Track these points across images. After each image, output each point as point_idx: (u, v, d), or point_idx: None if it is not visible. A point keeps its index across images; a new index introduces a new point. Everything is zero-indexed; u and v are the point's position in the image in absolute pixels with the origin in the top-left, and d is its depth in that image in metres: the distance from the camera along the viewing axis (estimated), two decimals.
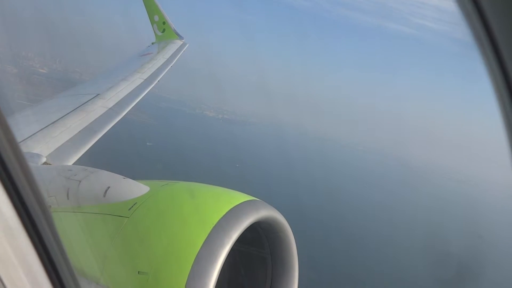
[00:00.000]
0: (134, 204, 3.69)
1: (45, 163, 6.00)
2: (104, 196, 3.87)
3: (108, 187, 3.93)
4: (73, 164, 6.79)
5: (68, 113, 8.24)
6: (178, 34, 17.95)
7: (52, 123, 7.69)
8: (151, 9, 18.29)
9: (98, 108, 8.86)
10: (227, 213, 3.48)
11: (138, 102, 10.41)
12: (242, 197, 3.78)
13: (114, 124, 8.82)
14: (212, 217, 3.44)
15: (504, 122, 1.45)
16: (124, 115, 9.37)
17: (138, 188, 3.91)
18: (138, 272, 3.29)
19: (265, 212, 3.74)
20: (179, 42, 17.32)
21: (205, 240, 3.26)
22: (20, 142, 6.40)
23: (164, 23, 18.03)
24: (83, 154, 7.30)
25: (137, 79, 11.48)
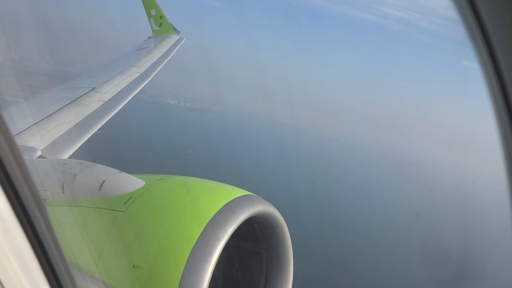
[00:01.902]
0: (130, 198, 3.69)
1: (40, 156, 5.98)
2: (100, 190, 3.86)
3: (104, 181, 3.92)
4: (69, 157, 6.76)
5: (63, 107, 8.19)
6: (175, 29, 17.87)
7: (48, 116, 7.65)
8: (148, 3, 18.18)
9: (93, 102, 8.82)
10: (222, 207, 3.49)
11: (134, 96, 10.37)
12: (238, 192, 3.78)
13: (110, 118, 8.78)
14: (207, 211, 3.44)
15: (495, 117, 1.46)
16: (120, 109, 9.34)
17: (133, 182, 3.91)
18: (133, 266, 3.29)
19: (261, 207, 3.75)
20: (176, 37, 17.25)
21: (200, 235, 3.26)
22: (15, 135, 6.36)
23: (161, 17, 17.93)
24: (78, 148, 7.27)
25: (133, 73, 11.43)
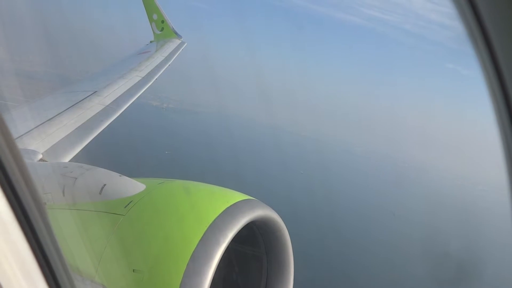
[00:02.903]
0: (130, 202, 3.69)
1: (41, 159, 5.98)
2: (100, 193, 3.86)
3: (104, 185, 3.92)
4: (69, 161, 6.77)
5: (65, 110, 8.21)
6: (176, 33, 17.93)
7: (49, 119, 7.66)
8: (150, 7, 18.25)
9: (95, 106, 8.84)
10: (223, 212, 3.48)
11: (135, 100, 10.39)
12: (238, 196, 3.78)
13: (111, 122, 8.80)
14: (208, 215, 3.44)
15: (496, 118, 1.45)
16: (121, 112, 9.36)
17: (134, 186, 3.91)
18: (133, 270, 3.28)
19: (261, 211, 3.75)
20: (177, 41, 17.30)
21: (200, 239, 3.26)
22: (17, 138, 6.38)
23: (162, 21, 17.99)
24: (79, 151, 7.28)
25: (135, 77, 11.46)
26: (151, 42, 17.79)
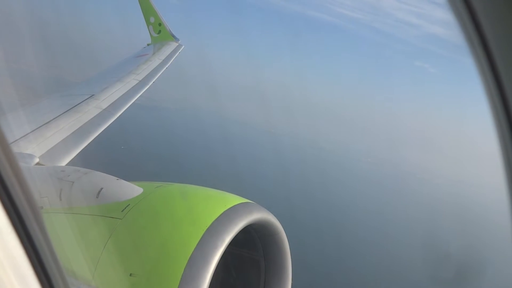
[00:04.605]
0: (127, 206, 3.67)
1: (37, 163, 5.96)
2: (97, 197, 3.85)
3: (101, 188, 3.90)
4: (66, 165, 6.74)
5: (61, 114, 8.19)
6: (173, 36, 17.93)
7: (46, 123, 7.64)
8: (147, 10, 18.26)
9: (92, 109, 8.82)
10: (220, 215, 3.47)
11: (132, 103, 10.38)
12: (236, 200, 3.77)
13: (108, 125, 8.78)
14: (205, 219, 3.43)
15: (493, 118, 1.45)
16: (118, 116, 9.33)
17: (131, 190, 3.89)
18: (130, 274, 3.26)
19: (259, 214, 3.74)
20: (174, 44, 17.31)
21: (198, 243, 3.25)
22: (13, 142, 6.35)
23: (160, 24, 18.01)
24: (76, 155, 7.25)
25: (132, 80, 11.45)
26: (148, 45, 17.78)
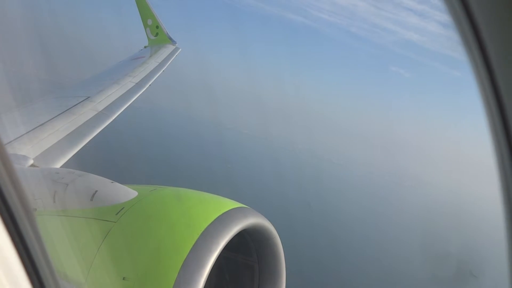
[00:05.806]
0: (122, 209, 3.65)
1: (32, 165, 5.92)
2: (91, 200, 3.83)
3: (96, 191, 3.88)
4: (61, 167, 6.71)
5: (57, 116, 8.15)
6: (171, 39, 17.94)
7: (41, 125, 7.60)
8: (145, 13, 18.27)
9: (87, 111, 8.79)
10: (215, 219, 3.47)
11: (128, 106, 10.35)
12: (231, 204, 3.77)
13: (104, 128, 8.75)
14: (200, 223, 3.42)
15: (488, 123, 1.45)
16: (114, 118, 9.30)
17: (126, 193, 3.88)
18: (124, 278, 3.25)
19: (254, 219, 3.73)
20: (171, 47, 17.30)
21: (192, 247, 3.24)
22: (7, 143, 6.31)
23: (157, 27, 18.02)
24: (71, 157, 7.22)
25: (128, 83, 11.42)
26: (145, 47, 17.77)
